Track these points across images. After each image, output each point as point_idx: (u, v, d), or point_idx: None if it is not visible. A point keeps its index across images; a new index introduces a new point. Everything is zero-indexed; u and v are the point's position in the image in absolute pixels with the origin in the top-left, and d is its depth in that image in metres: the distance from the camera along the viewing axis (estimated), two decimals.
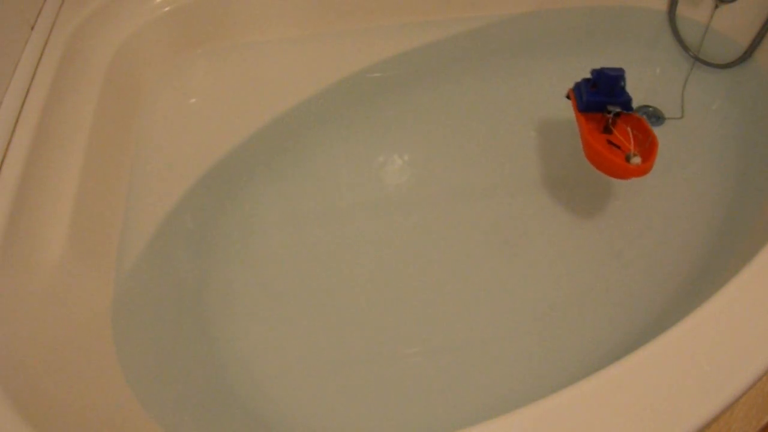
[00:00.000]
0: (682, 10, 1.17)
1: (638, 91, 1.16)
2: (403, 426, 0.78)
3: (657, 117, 1.12)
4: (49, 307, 0.68)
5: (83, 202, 0.79)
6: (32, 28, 0.87)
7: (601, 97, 0.92)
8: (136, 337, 0.77)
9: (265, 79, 1.09)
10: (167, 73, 1.07)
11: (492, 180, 1.04)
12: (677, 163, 1.06)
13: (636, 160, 0.86)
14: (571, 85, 0.98)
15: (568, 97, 0.99)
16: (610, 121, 0.91)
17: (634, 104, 1.13)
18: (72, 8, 0.94)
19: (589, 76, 0.94)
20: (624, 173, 0.87)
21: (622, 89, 0.92)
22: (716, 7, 1.13)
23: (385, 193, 1.03)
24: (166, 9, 1.03)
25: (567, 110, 1.14)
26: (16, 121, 0.75)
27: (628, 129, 0.93)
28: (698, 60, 1.16)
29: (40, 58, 0.84)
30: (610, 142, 0.92)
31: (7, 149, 0.72)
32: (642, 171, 0.85)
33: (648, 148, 0.88)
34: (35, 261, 0.70)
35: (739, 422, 0.59)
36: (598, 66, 0.91)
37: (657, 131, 1.10)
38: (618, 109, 0.90)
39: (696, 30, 1.17)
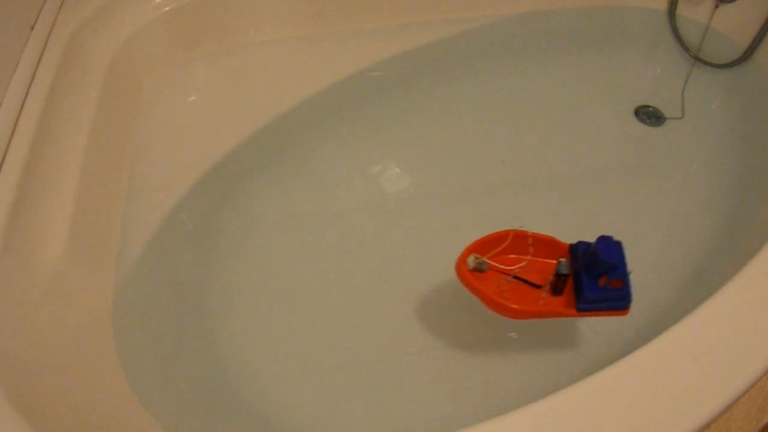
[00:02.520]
0: (682, 10, 1.18)
1: (638, 91, 1.16)
2: (403, 426, 0.78)
3: (657, 117, 1.12)
4: (49, 307, 0.68)
5: (83, 203, 0.79)
6: (32, 28, 0.87)
7: (580, 257, 0.71)
8: (136, 337, 0.77)
9: (265, 79, 1.09)
10: (167, 73, 1.07)
11: (493, 180, 1.04)
12: (677, 163, 1.06)
13: (470, 262, 0.71)
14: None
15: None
16: (556, 277, 0.71)
17: (634, 104, 1.14)
18: (72, 8, 0.94)
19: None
20: (457, 267, 0.72)
21: (603, 284, 0.69)
22: (716, 7, 1.13)
23: (385, 192, 1.03)
24: (166, 9, 1.03)
25: (566, 110, 1.14)
26: (16, 121, 0.75)
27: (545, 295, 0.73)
28: (698, 60, 1.16)
29: (40, 58, 0.84)
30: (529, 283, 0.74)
31: (7, 149, 0.72)
32: (462, 275, 0.71)
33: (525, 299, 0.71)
34: (35, 261, 0.70)
35: (739, 422, 0.59)
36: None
37: (657, 131, 1.10)
38: (566, 272, 0.70)
39: (696, 30, 1.17)
